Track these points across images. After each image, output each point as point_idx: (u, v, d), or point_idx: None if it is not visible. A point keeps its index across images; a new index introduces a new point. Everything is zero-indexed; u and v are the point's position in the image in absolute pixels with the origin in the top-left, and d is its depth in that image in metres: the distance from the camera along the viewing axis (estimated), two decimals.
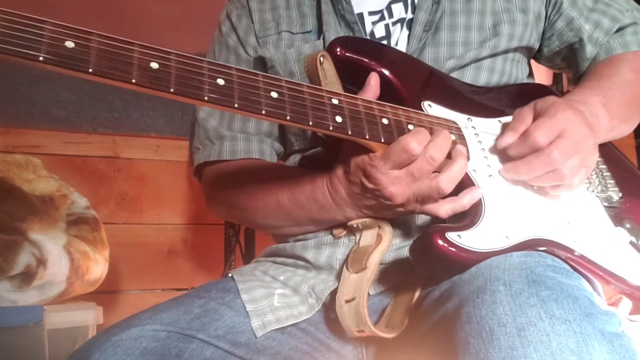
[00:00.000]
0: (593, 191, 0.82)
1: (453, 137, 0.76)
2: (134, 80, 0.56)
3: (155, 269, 1.89)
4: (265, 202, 0.83)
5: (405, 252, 0.78)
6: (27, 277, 1.31)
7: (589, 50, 0.92)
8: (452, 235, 0.66)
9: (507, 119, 0.81)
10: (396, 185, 0.68)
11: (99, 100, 1.88)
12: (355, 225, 0.76)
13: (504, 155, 0.76)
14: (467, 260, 0.66)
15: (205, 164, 0.93)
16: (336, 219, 0.77)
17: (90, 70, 0.54)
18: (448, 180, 0.67)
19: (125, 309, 1.80)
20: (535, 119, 0.74)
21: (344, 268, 0.77)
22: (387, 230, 0.75)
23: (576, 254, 0.71)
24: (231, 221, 1.20)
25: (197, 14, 1.96)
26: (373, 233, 0.76)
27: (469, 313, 0.56)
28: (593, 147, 0.74)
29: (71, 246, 1.41)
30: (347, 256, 0.78)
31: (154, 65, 0.57)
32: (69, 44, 0.53)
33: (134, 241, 1.87)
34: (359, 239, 0.77)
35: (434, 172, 0.69)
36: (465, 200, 0.69)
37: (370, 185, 0.70)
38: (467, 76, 0.85)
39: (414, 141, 0.67)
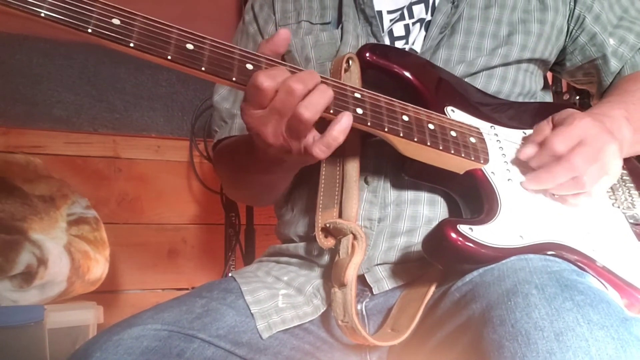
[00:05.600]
0: (619, 207, 0.83)
1: (474, 140, 0.77)
2: (169, 57, 0.62)
3: (156, 269, 1.89)
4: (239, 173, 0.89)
5: (412, 250, 0.78)
6: (27, 277, 1.31)
7: (613, 64, 0.93)
8: (463, 228, 0.67)
9: (531, 131, 0.82)
10: (266, 125, 0.65)
11: (99, 100, 1.88)
12: (327, 225, 0.77)
13: (526, 163, 0.77)
14: (479, 254, 0.67)
15: (218, 142, 0.97)
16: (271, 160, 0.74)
17: (131, 44, 0.60)
18: (307, 106, 0.63)
19: (126, 309, 1.80)
20: (553, 130, 0.74)
21: (331, 283, 0.77)
22: (361, 239, 0.75)
23: (598, 264, 0.72)
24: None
25: (197, 14, 1.96)
26: (348, 243, 0.76)
27: (502, 316, 0.56)
28: (615, 153, 0.72)
29: (72, 246, 1.41)
30: (331, 270, 0.78)
31: (190, 46, 0.63)
32: (116, 21, 0.60)
33: (135, 241, 1.87)
34: (339, 249, 0.77)
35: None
36: (334, 132, 0.64)
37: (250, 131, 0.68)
38: (479, 84, 0.86)
39: (262, 75, 0.63)
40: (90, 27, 0.59)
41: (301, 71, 0.66)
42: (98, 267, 1.48)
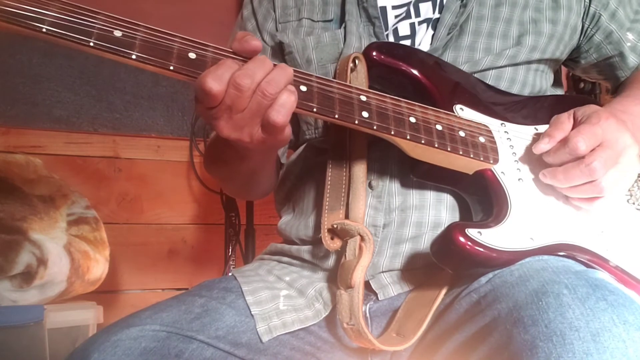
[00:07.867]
0: (634, 203, 0.81)
1: (483, 140, 0.75)
2: (171, 68, 0.61)
3: (156, 269, 1.89)
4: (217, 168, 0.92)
5: (418, 257, 0.77)
6: (27, 277, 1.31)
7: (632, 60, 0.92)
8: (472, 232, 0.66)
9: (545, 127, 0.80)
10: (218, 119, 0.64)
11: (99, 100, 1.88)
12: (333, 226, 0.76)
13: (537, 161, 0.75)
14: (489, 258, 0.66)
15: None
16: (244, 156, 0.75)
17: (133, 57, 0.60)
18: (262, 96, 0.62)
19: (126, 309, 1.80)
20: (574, 126, 0.72)
21: (337, 285, 0.76)
22: (369, 241, 0.74)
23: (611, 264, 0.71)
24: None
25: (197, 14, 1.96)
26: (355, 245, 0.75)
27: (534, 316, 0.55)
28: (635, 158, 0.72)
29: (72, 246, 1.41)
30: (337, 271, 0.77)
31: (192, 55, 0.63)
32: (117, 33, 0.60)
33: (135, 241, 1.87)
34: (346, 251, 0.76)
35: None
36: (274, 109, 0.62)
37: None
38: None
39: (209, 79, 0.60)
40: (92, 40, 0.58)
41: (249, 62, 0.63)
42: (98, 267, 1.48)
